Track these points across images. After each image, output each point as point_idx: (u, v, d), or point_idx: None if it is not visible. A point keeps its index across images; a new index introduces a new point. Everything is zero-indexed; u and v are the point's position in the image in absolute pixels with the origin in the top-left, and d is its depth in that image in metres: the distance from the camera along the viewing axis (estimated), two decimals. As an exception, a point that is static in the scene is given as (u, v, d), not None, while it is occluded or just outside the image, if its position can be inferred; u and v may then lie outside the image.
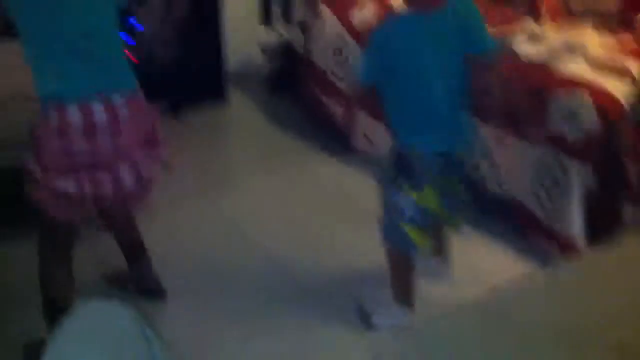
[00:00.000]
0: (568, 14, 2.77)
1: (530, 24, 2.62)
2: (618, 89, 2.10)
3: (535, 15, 2.74)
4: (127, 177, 1.75)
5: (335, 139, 2.95)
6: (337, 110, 2.92)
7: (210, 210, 2.54)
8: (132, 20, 2.94)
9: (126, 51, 1.81)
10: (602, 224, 2.09)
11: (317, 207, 2.58)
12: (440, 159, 1.84)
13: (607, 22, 2.62)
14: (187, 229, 2.45)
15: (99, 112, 1.65)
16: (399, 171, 1.85)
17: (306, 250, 2.32)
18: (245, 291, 2.16)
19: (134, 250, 2.10)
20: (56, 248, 1.83)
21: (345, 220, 2.48)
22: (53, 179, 1.69)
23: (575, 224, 2.12)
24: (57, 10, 1.63)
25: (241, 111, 3.26)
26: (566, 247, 2.12)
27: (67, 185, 1.69)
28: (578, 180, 2.10)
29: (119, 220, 2.06)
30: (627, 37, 2.46)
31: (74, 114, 1.63)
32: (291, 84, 3.25)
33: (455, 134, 1.87)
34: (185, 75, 3.04)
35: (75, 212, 1.77)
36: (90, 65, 1.67)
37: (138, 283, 2.12)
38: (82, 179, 1.69)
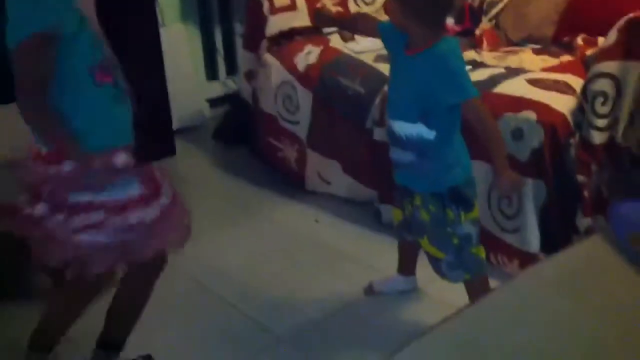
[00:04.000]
0: (507, 44, 2.85)
1: (471, 53, 2.68)
2: (562, 105, 2.15)
3: (476, 47, 2.82)
4: None
5: (290, 184, 2.94)
6: (290, 154, 2.92)
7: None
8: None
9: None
10: (558, 237, 2.10)
11: (279, 254, 2.53)
12: None
13: (546, 48, 2.71)
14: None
15: None
16: (457, 206, 1.82)
17: (276, 299, 2.26)
18: (214, 345, 2.07)
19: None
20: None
21: (312, 263, 2.44)
22: None
23: (533, 239, 2.13)
24: None
25: (191, 165, 3.21)
26: (527, 263, 2.11)
27: None
28: (532, 196, 2.12)
29: None
30: (566, 59, 2.53)
31: None
32: (241, 134, 3.25)
33: None
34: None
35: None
36: None
37: None
38: None
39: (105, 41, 1.63)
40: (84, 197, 1.55)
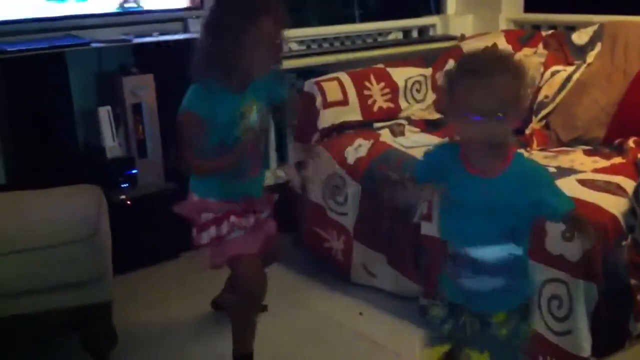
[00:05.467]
0: (557, 144, 2.86)
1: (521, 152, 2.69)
2: (613, 206, 2.13)
3: (526, 146, 2.83)
4: None
5: (335, 275, 2.93)
6: (336, 245, 2.93)
7: (205, 353, 2.48)
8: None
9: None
10: (610, 341, 2.04)
11: (321, 346, 2.50)
12: None
13: (597, 149, 2.71)
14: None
15: None
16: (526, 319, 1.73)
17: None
18: None
19: None
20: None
21: (353, 356, 2.41)
22: None
23: (584, 343, 2.06)
24: None
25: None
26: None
27: None
28: (583, 299, 2.07)
29: None
30: (618, 160, 2.52)
31: None
32: (289, 223, 3.27)
33: None
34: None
35: None
36: None
37: None
38: None
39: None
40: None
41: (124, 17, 3.08)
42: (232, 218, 2.15)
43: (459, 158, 1.63)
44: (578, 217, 1.65)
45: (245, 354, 2.23)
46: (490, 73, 1.53)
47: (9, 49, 2.68)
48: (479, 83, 1.53)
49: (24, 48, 2.70)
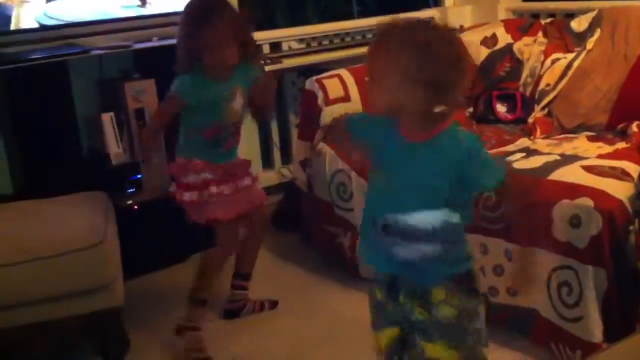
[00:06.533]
0: (561, 131, 2.86)
1: (524, 141, 2.69)
2: (619, 191, 2.13)
3: (530, 135, 2.83)
4: None
5: (344, 270, 2.94)
6: (344, 240, 2.93)
7: (218, 353, 2.49)
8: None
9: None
10: (621, 325, 2.04)
11: (332, 341, 2.51)
12: None
13: (600, 135, 2.71)
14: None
15: None
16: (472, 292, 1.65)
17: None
18: None
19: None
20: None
21: (365, 350, 2.41)
22: None
23: (596, 329, 2.07)
24: None
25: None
26: (590, 353, 2.04)
27: None
28: (593, 284, 2.07)
29: None
30: (621, 145, 2.52)
31: None
32: (296, 221, 3.28)
33: None
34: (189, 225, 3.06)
35: None
36: None
37: None
38: None
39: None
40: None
41: (124, 23, 3.09)
42: (213, 188, 2.41)
43: (394, 127, 1.58)
44: (503, 189, 1.65)
45: (202, 299, 2.50)
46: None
47: (10, 60, 2.70)
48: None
49: (25, 58, 2.72)
